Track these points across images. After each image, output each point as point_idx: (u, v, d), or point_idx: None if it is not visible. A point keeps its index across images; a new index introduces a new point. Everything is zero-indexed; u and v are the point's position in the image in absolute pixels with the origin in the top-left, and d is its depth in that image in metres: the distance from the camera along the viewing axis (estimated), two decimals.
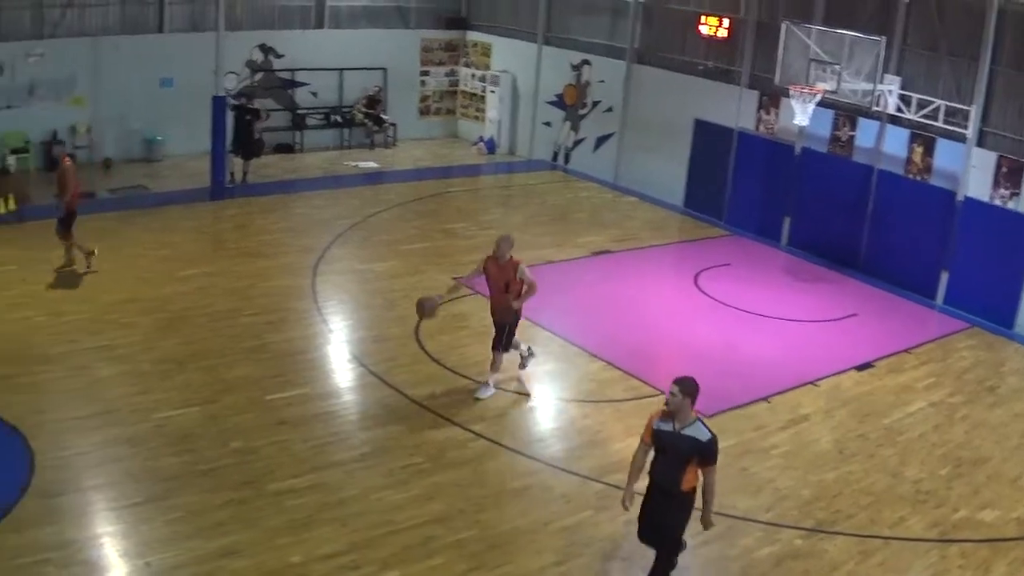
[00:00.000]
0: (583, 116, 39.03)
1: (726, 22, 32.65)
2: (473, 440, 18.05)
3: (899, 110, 27.71)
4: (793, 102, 28.15)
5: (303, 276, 26.32)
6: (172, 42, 38.27)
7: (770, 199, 31.93)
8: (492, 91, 42.64)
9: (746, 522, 16.12)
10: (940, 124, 26.88)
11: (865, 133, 29.16)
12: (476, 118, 44.16)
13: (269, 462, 17.07)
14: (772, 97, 31.25)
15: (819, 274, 29.17)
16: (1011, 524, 16.87)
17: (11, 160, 33.83)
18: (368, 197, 34.68)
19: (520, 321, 20.29)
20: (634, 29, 36.47)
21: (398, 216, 32.45)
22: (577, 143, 39.46)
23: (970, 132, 26.70)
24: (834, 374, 22.27)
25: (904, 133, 28.40)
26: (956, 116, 26.77)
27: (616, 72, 37.12)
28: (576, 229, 31.65)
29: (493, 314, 20.16)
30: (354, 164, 39.45)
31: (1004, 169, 26.28)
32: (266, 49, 40.27)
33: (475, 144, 42.87)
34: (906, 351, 24.14)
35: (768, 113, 31.64)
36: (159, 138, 38.33)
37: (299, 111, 41.33)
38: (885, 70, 27.45)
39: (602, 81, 37.87)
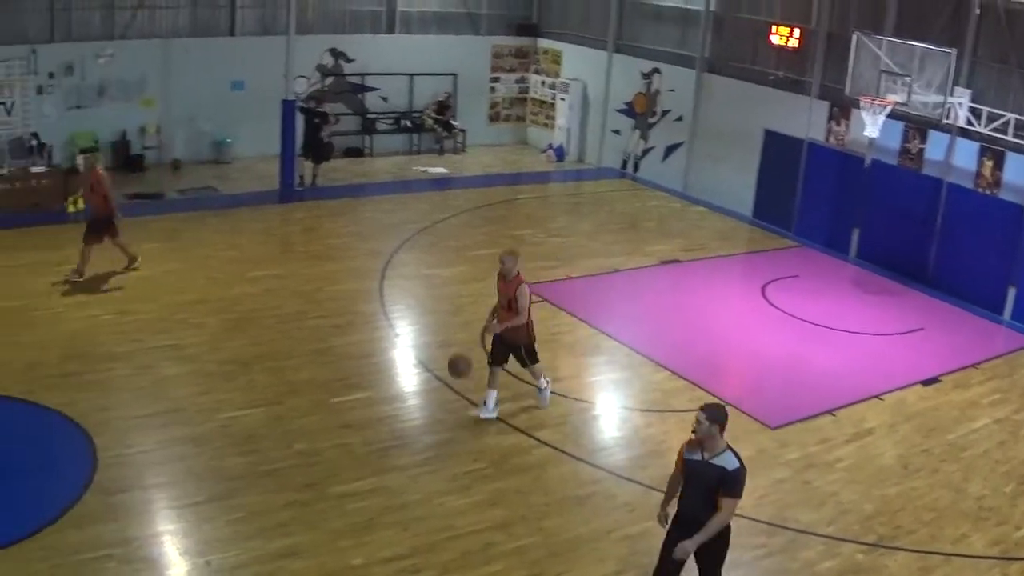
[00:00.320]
0: (653, 125, 38.88)
1: (797, 32, 32.41)
2: (537, 447, 18.02)
3: (969, 123, 27.37)
4: (863, 113, 27.96)
5: (370, 280, 26.38)
6: (243, 45, 38.49)
7: (839, 211, 31.64)
8: (562, 98, 42.51)
9: (808, 535, 16.00)
10: (1010, 138, 26.54)
11: (935, 146, 28.84)
12: (546, 125, 44.04)
13: (332, 464, 17.12)
14: (842, 108, 30.99)
15: (886, 287, 28.89)
16: None
17: (80, 160, 34.10)
18: (436, 202, 34.79)
19: (535, 346, 19.43)
20: (705, 38, 36.28)
21: (466, 222, 32.48)
22: (646, 152, 39.31)
23: None
24: (899, 388, 21.98)
25: (974, 146, 28.04)
26: None
27: (686, 81, 36.94)
28: (644, 238, 31.52)
29: (502, 337, 19.21)
30: (423, 169, 39.53)
31: None
32: (337, 53, 40.42)
33: (544, 151, 42.79)
34: (972, 366, 23.78)
35: (838, 124, 31.40)
36: (229, 140, 38.57)
37: (369, 115, 41.45)
38: (955, 83, 27.12)
39: (672, 90, 37.71)
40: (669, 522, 13.02)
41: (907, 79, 26.72)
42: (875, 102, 27.40)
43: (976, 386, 22.72)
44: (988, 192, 27.71)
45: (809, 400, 20.79)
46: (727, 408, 12.66)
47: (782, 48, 33.09)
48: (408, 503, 16.13)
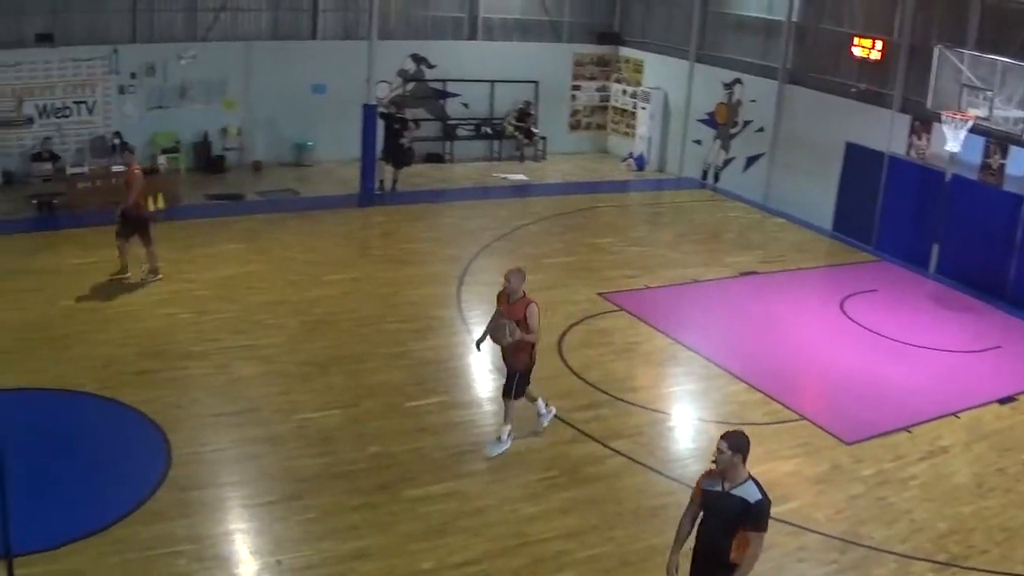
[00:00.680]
0: (734, 135, 38.68)
1: (879, 44, 32.14)
2: (611, 456, 17.95)
3: None
4: (944, 128, 27.72)
5: (448, 285, 26.45)
6: (325, 49, 38.75)
7: (919, 225, 31.25)
8: (643, 107, 42.41)
9: (881, 552, 15.82)
10: None
11: (1016, 162, 28.43)
12: (626, 134, 43.95)
13: (406, 468, 17.16)
14: (924, 122, 30.67)
15: (965, 303, 28.51)
16: None
17: (161, 160, 34.41)
18: (516, 209, 34.79)
19: (533, 369, 18.34)
20: (787, 49, 36.06)
21: (545, 229, 32.46)
22: (727, 162, 39.13)
23: None
24: (976, 407, 21.60)
25: None
26: None
27: (768, 92, 36.72)
28: (724, 249, 31.36)
29: (503, 357, 18.32)
30: (503, 176, 39.63)
31: None
32: (418, 59, 40.57)
33: (624, 160, 42.69)
34: None
35: (920, 138, 31.09)
36: (310, 143, 38.82)
37: (450, 121, 41.57)
38: None
39: (754, 101, 37.50)
40: (677, 571, 12.39)
41: (988, 94, 26.49)
42: (956, 116, 27.17)
43: None
44: None
45: (885, 416, 20.54)
46: (746, 434, 11.99)
47: (864, 60, 32.78)
48: (481, 508, 16.15)
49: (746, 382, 21.53)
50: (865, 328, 25.55)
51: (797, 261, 30.61)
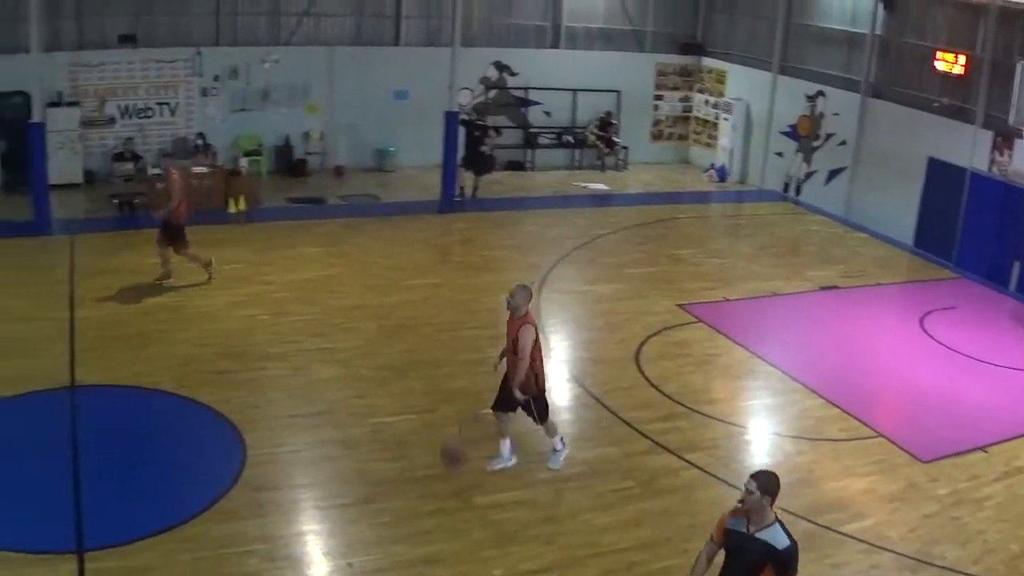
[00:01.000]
0: (816, 148, 38.40)
1: (962, 59, 31.84)
2: (686, 469, 17.86)
3: None
4: None
5: None
6: (408, 55, 38.95)
7: (1001, 242, 30.84)
8: (725, 118, 42.25)
9: (953, 573, 15.63)
10: None
11: None
12: (708, 145, 43.77)
13: (479, 475, 17.17)
14: (1006, 138, 30.36)
15: None
16: None
17: (243, 162, 34.65)
18: (596, 218, 34.76)
19: (545, 392, 17.45)
20: (870, 62, 35.78)
21: (625, 239, 32.40)
22: (809, 175, 38.85)
23: None
24: None
25: None
26: None
27: (851, 105, 36.37)
28: (804, 262, 31.13)
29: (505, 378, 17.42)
30: (584, 185, 39.59)
31: None
32: (501, 66, 40.63)
33: (706, 171, 42.50)
34: None
35: (1001, 154, 30.80)
36: (391, 149, 39.00)
37: (531, 129, 41.59)
38: None
39: (836, 114, 37.19)
40: None
41: None
42: None
43: None
44: None
45: (962, 435, 20.27)
46: (777, 475, 11.28)
47: (947, 75, 32.48)
48: (553, 517, 16.17)
49: (823, 397, 21.35)
50: (944, 345, 25.30)
51: (877, 276, 30.33)
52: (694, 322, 24.72)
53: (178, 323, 23.18)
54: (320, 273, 26.98)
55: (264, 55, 37.08)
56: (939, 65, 32.53)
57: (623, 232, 33.07)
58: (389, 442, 18.01)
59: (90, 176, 35.06)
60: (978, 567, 15.88)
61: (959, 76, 31.97)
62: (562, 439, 17.91)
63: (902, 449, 19.26)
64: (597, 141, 42.08)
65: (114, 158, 34.38)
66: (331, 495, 16.36)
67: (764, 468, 11.78)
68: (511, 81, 41.10)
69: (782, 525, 11.14)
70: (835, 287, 28.79)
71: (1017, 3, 29.77)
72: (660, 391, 20.74)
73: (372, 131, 38.83)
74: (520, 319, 16.68)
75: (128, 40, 35.92)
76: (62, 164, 33.59)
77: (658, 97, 44.20)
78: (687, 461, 18.09)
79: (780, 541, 11.02)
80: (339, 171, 38.20)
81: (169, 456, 17.37)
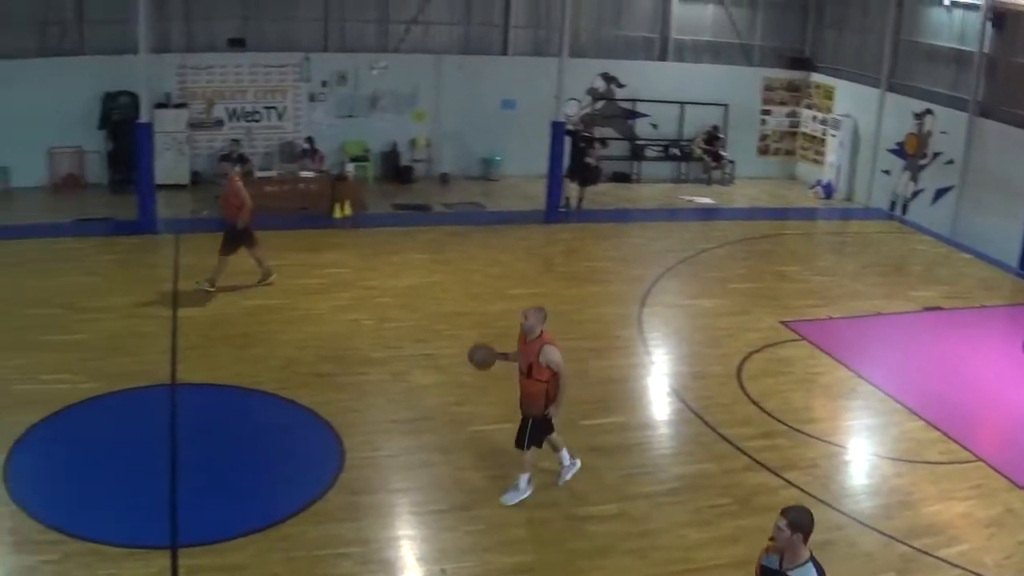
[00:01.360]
0: (923, 167, 38.00)
1: None
2: (784, 487, 17.72)
3: None
4: None
5: (630, 305, 26.44)
6: (515, 65, 39.10)
7: None
8: (833, 135, 41.89)
9: None
10: None
11: None
12: (815, 161, 43.38)
13: (577, 486, 17.19)
14: None
15: None
16: None
17: (350, 167, 34.91)
18: (701, 232, 34.67)
19: (552, 421, 16.83)
20: (978, 81, 35.36)
21: (729, 254, 32.28)
22: (916, 194, 38.45)
23: None
24: None
25: None
26: None
27: (958, 124, 35.87)
28: (909, 282, 30.77)
29: (520, 402, 16.93)
30: (689, 198, 39.50)
31: None
32: (609, 78, 40.67)
33: (812, 187, 42.15)
34: None
35: None
36: (497, 158, 39.11)
37: (638, 141, 41.57)
38: None
39: (944, 132, 36.81)
40: None
41: None
42: None
43: None
44: None
45: None
46: (810, 512, 10.89)
47: None
48: (649, 531, 16.10)
49: (924, 419, 21.06)
50: None
51: (981, 298, 29.90)
52: (797, 339, 24.58)
53: (281, 325, 23.48)
54: (423, 280, 27.17)
55: (372, 62, 37.38)
56: None
57: (728, 247, 32.95)
58: (486, 450, 18.06)
59: (196, 177, 35.54)
60: None
61: None
62: (570, 456, 17.45)
63: (1001, 474, 18.98)
64: (704, 155, 41.98)
65: (220, 160, 34.77)
66: (427, 501, 16.46)
67: (796, 504, 11.43)
68: (618, 93, 41.14)
69: (815, 563, 10.80)
70: (939, 308, 28.48)
71: None
72: (760, 408, 20.64)
73: (478, 140, 39.04)
74: (536, 340, 16.25)
75: (237, 44, 36.39)
76: (169, 165, 34.10)
77: (765, 112, 43.95)
78: (785, 480, 17.97)
79: None
80: (444, 179, 38.42)
81: (267, 456, 17.57)
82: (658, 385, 21.98)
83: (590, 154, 36.05)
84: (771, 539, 10.91)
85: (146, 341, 22.31)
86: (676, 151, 42.30)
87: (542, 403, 16.42)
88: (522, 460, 16.83)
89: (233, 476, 16.95)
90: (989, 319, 28.56)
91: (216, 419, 19.16)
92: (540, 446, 16.95)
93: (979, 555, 16.16)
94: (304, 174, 33.77)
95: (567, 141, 35.22)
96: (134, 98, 31.96)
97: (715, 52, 42.77)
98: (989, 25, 34.45)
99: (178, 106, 35.96)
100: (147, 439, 17.98)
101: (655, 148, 41.99)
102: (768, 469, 18.25)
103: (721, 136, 42.27)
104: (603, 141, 38.33)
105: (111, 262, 27.77)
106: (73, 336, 22.43)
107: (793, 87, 44.05)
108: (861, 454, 19.66)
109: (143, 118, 30.50)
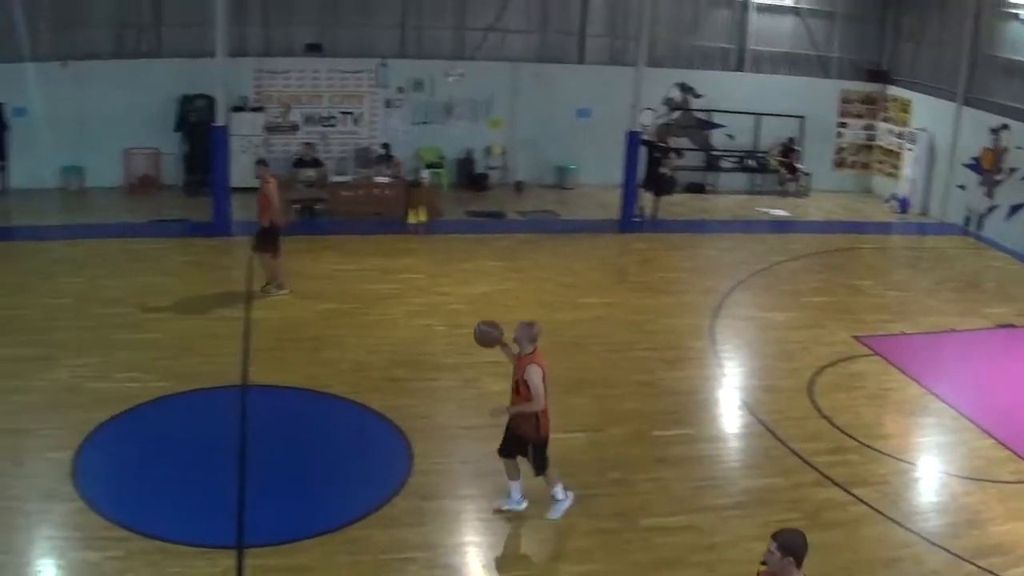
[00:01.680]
0: (999, 182, 37.72)
1: None
2: (853, 503, 17.64)
3: None
4: None
5: (702, 316, 26.43)
6: (591, 73, 39.19)
7: None
8: (909, 148, 41.63)
9: None
10: None
11: None
12: (891, 175, 43.09)
13: (645, 497, 17.22)
14: None
15: None
16: None
17: (425, 174, 35.07)
18: (775, 244, 34.59)
19: (547, 441, 16.30)
20: None
21: (803, 267, 32.18)
22: (991, 209, 38.19)
23: None
24: None
25: None
26: None
27: None
28: (983, 299, 30.41)
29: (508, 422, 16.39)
30: (764, 210, 39.44)
31: None
32: (685, 88, 40.70)
33: (887, 201, 41.89)
34: None
35: None
36: (572, 167, 39.20)
37: (713, 152, 41.54)
38: None
39: (1020, 148, 36.53)
40: None
41: None
42: None
43: None
44: None
45: None
46: (803, 535, 10.59)
47: None
48: (716, 544, 16.08)
49: (995, 438, 20.83)
50: None
51: None
52: (869, 354, 24.46)
53: (353, 329, 23.69)
54: (496, 287, 27.32)
55: (448, 68, 37.60)
56: None
57: (802, 260, 32.85)
58: (555, 459, 17.88)
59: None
60: None
61: None
62: (564, 488, 16.60)
63: None
64: (779, 167, 41.87)
65: (295, 164, 34.99)
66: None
67: (788, 527, 10.99)
68: (695, 103, 41.13)
69: None
70: (1013, 326, 28.26)
71: None
72: (831, 423, 20.55)
73: (553, 148, 39.16)
74: (527, 357, 15.82)
75: (314, 49, 36.72)
76: (244, 168, 34.33)
77: (841, 124, 43.74)
78: (854, 496, 17.88)
79: None
80: (519, 186, 38.54)
81: (336, 459, 17.73)
82: (729, 397, 21.96)
83: (665, 164, 36.09)
84: (762, 563, 10.63)
85: (218, 342, 22.65)
86: (752, 162, 42.24)
87: (533, 423, 15.91)
88: (550, 480, 16.48)
89: (301, 478, 17.15)
90: None
91: (286, 421, 19.44)
92: (547, 467, 16.39)
93: None
94: (379, 180, 34.01)
95: (643, 151, 35.23)
96: (211, 101, 32.29)
97: (792, 63, 42.64)
98: None
99: (254, 110, 36.35)
100: (217, 439, 18.30)
101: (731, 159, 41.98)
102: (837, 485, 18.18)
103: (797, 148, 42.13)
104: (678, 151, 38.30)
105: (185, 263, 28.12)
106: (145, 335, 22.87)
107: (870, 100, 43.81)
108: (931, 472, 19.53)
109: (219, 121, 30.86)
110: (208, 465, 17.32)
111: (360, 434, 18.87)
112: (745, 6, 41.78)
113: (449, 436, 18.88)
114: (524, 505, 16.64)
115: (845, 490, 18.03)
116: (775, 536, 10.38)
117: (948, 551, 16.53)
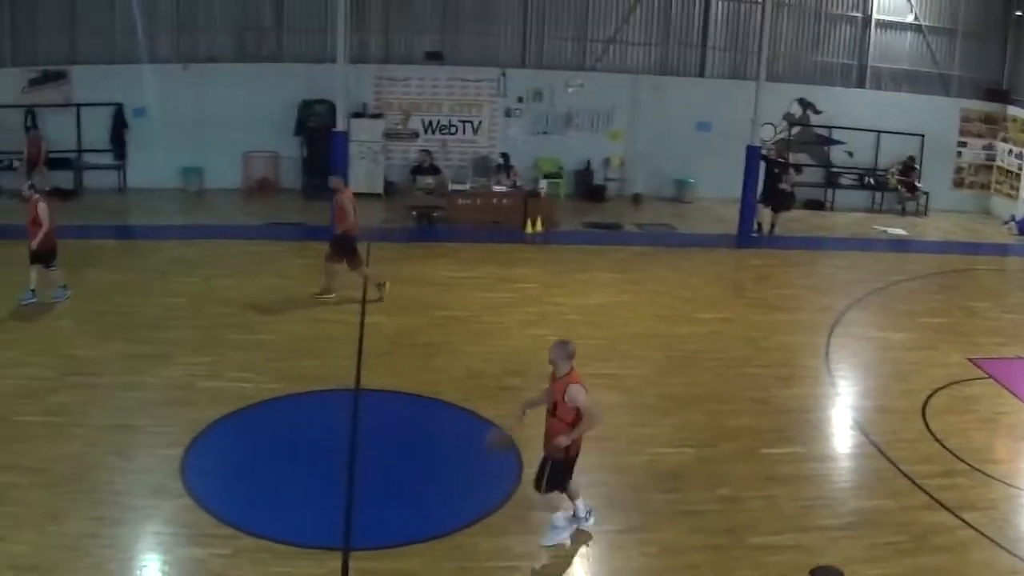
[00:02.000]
0: None
1: None
2: (961, 528, 17.46)
3: None
4: None
5: (817, 335, 26.27)
6: (712, 87, 39.30)
7: None
8: None
9: None
10: None
11: None
12: (1010, 196, 42.64)
13: (753, 514, 17.16)
14: None
15: None
16: None
17: (543, 184, 35.24)
18: (892, 264, 34.39)
19: (574, 464, 15.74)
20: None
21: (920, 287, 31.90)
22: None
23: None
24: None
25: None
26: None
27: None
28: None
29: (544, 441, 15.65)
30: (882, 229, 39.19)
31: None
32: (805, 103, 40.62)
33: (1006, 223, 41.39)
34: None
35: None
36: (691, 180, 39.23)
37: (832, 169, 41.39)
38: None
39: None
40: None
41: None
42: None
43: None
44: None
45: None
46: (840, 572, 10.61)
47: None
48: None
49: None
50: None
51: None
52: (984, 378, 24.22)
53: (467, 336, 23.94)
54: (611, 299, 27.47)
55: (569, 79, 37.83)
56: None
57: (919, 280, 32.60)
58: (665, 473, 18.15)
59: (391, 187, 36.23)
60: None
61: None
62: (587, 508, 16.22)
63: None
64: (898, 185, 41.61)
65: (413, 171, 35.32)
66: (602, 520, 16.47)
67: (828, 565, 11.11)
68: (814, 119, 40.99)
69: None
70: None
71: None
72: (943, 445, 20.37)
73: (672, 161, 39.26)
74: (564, 378, 15.23)
75: (434, 57, 37.06)
76: (363, 174, 34.82)
77: (961, 144, 43.39)
78: (963, 520, 17.72)
79: None
80: (637, 199, 38.67)
81: (444, 466, 17.94)
82: (841, 417, 21.83)
83: (784, 180, 35.98)
84: None
85: (331, 345, 23.09)
86: (871, 180, 42.00)
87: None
88: (548, 502, 15.88)
89: (410, 483, 17.35)
90: None
91: (397, 426, 19.73)
92: (562, 489, 15.88)
93: None
94: (497, 189, 34.29)
95: (762, 166, 35.21)
96: (331, 106, 32.76)
97: (912, 81, 42.43)
98: None
99: (374, 116, 36.76)
100: (327, 441, 18.69)
101: (850, 176, 41.79)
102: (946, 508, 18.05)
103: (916, 167, 41.81)
104: (797, 167, 38.25)
105: (301, 266, 28.55)
106: (259, 336, 23.45)
107: (990, 119, 43.42)
108: None
109: (339, 126, 31.27)
110: (317, 466, 17.66)
111: (470, 441, 18.97)
112: (866, 22, 41.62)
113: None
114: (591, 521, 16.26)
115: (954, 514, 17.89)
116: (812, 573, 10.46)
117: None
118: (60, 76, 36.16)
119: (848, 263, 33.82)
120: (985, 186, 44.22)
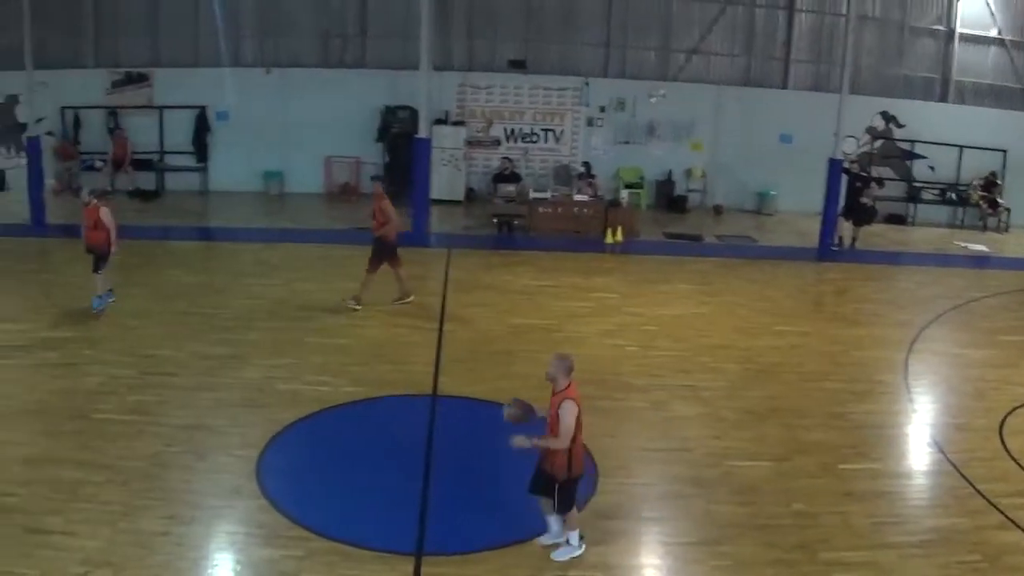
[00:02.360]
0: None
1: None
2: None
3: None
4: None
5: (897, 350, 26.11)
6: (794, 99, 39.25)
7: None
8: None
9: None
10: None
11: None
12: None
13: (827, 530, 17.07)
14: None
15: None
16: None
17: (624, 194, 35.34)
18: (973, 280, 34.19)
19: (577, 480, 15.47)
20: None
21: (1002, 304, 31.64)
22: None
23: None
24: None
25: None
26: None
27: None
28: None
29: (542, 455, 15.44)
30: (963, 245, 38.92)
31: None
32: (888, 117, 40.45)
33: None
34: None
35: None
36: (772, 192, 39.15)
37: (915, 183, 41.16)
38: None
39: None
40: None
41: None
42: None
43: None
44: None
45: None
46: None
47: None
48: None
49: None
50: None
51: None
52: None
53: (545, 344, 23.83)
54: (690, 310, 27.51)
55: (651, 89, 37.90)
56: None
57: (1000, 297, 32.36)
58: (740, 486, 18.13)
59: (471, 194, 36.38)
60: None
61: None
62: (581, 536, 15.68)
63: None
64: (980, 201, 41.32)
65: (495, 179, 35.47)
66: (676, 532, 16.58)
67: None
68: (897, 132, 40.80)
69: None
70: None
71: None
72: (1020, 465, 20.23)
73: (753, 173, 39.23)
74: (561, 393, 15.13)
75: (517, 65, 37.24)
76: (445, 180, 35.03)
77: None
78: None
79: None
80: (718, 210, 38.68)
81: (519, 473, 17.90)
82: (918, 434, 21.70)
83: (866, 194, 35.88)
84: None
85: (410, 350, 23.32)
86: (953, 195, 41.72)
87: (564, 462, 15.09)
88: (569, 523, 15.65)
89: (484, 490, 17.46)
90: None
91: (472, 433, 19.82)
92: (575, 507, 15.57)
93: None
94: (578, 198, 34.39)
95: (844, 179, 35.10)
96: (413, 113, 33.07)
97: (996, 96, 42.13)
98: None
99: (456, 123, 36.97)
100: (403, 446, 18.84)
101: (932, 191, 41.54)
102: (1021, 529, 17.87)
103: (999, 183, 41.50)
104: (879, 181, 38.10)
105: (382, 271, 28.33)
106: (338, 340, 23.76)
107: None
108: None
109: (422, 133, 31.50)
110: (392, 471, 17.81)
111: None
112: (949, 36, 41.40)
113: (635, 458, 18.96)
114: (564, 538, 15.87)
115: None
116: None
117: None
118: (143, 78, 36.73)
119: (928, 279, 33.62)
120: None
